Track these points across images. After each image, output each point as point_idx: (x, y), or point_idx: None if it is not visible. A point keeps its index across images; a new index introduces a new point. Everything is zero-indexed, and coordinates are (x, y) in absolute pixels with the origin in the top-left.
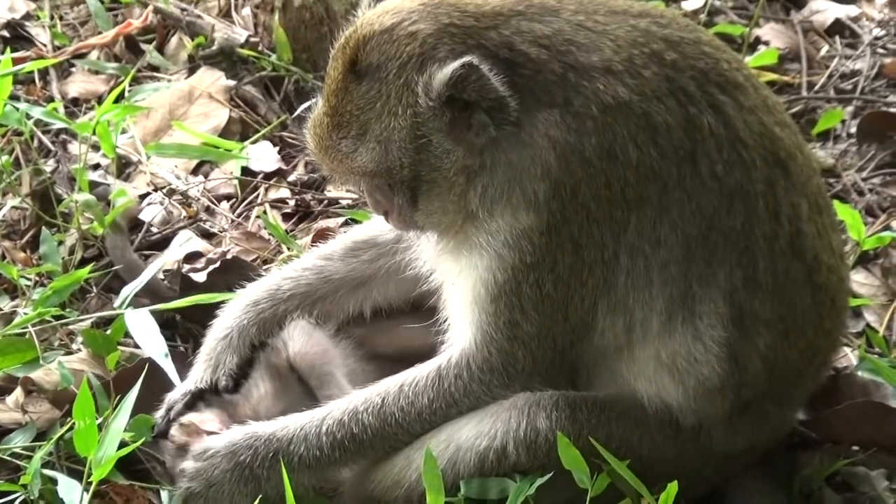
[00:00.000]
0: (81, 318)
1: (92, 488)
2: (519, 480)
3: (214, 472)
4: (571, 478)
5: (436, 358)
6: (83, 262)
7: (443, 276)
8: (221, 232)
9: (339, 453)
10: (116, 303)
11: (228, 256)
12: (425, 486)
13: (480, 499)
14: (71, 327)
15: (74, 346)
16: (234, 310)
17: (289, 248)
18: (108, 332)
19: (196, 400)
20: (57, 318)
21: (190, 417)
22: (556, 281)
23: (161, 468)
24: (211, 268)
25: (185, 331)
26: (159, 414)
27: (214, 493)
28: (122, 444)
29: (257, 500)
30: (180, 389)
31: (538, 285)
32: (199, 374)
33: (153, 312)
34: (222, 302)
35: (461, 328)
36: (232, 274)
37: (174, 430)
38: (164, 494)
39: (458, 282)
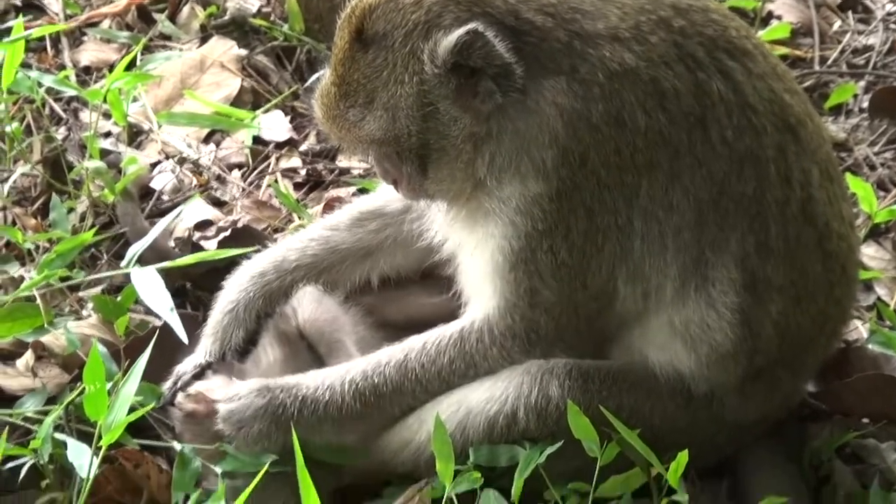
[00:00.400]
0: (87, 279)
1: (102, 453)
2: (529, 448)
3: (247, 411)
4: (581, 447)
5: (459, 320)
6: (93, 229)
7: (456, 246)
8: (232, 200)
9: (360, 404)
10: (124, 262)
11: (239, 225)
12: (435, 453)
13: (490, 466)
14: (81, 294)
15: (85, 313)
16: (240, 281)
17: (300, 217)
18: (119, 298)
19: (204, 372)
20: (65, 280)
21: (197, 386)
22: (571, 248)
23: (171, 434)
24: (221, 236)
25: (195, 299)
26: (167, 385)
27: (244, 435)
28: (132, 410)
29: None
30: (188, 362)
31: (553, 252)
32: (206, 348)
33: (163, 277)
34: (232, 266)
35: (483, 295)
36: (243, 242)
37: (181, 398)
38: (176, 448)
39: (476, 251)
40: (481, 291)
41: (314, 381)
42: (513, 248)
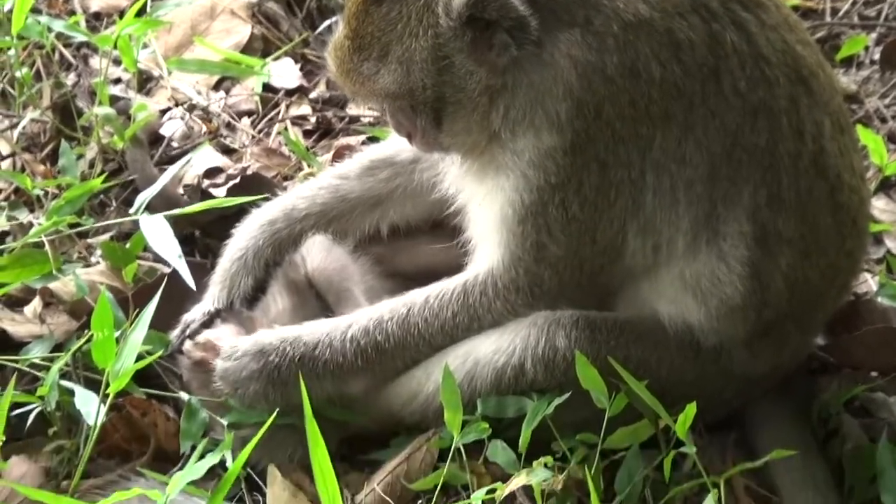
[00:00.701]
0: (96, 225)
1: (109, 400)
2: (536, 399)
3: (242, 373)
4: (589, 398)
5: (462, 273)
6: (102, 176)
7: (467, 197)
8: (242, 148)
9: (361, 361)
10: (133, 209)
11: (248, 172)
12: (444, 404)
13: (497, 417)
14: (90, 241)
15: (93, 260)
16: (249, 229)
17: (309, 165)
18: (128, 245)
19: (212, 320)
20: (74, 227)
21: (206, 335)
22: (583, 202)
23: (178, 383)
24: (231, 183)
25: (203, 246)
26: (175, 333)
27: (241, 395)
28: (140, 358)
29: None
30: (197, 310)
31: (564, 207)
32: (214, 296)
33: (171, 224)
34: (241, 214)
35: (488, 248)
36: (252, 190)
37: (189, 346)
38: (184, 397)
39: (485, 203)
40: (487, 244)
41: (313, 338)
42: (523, 201)
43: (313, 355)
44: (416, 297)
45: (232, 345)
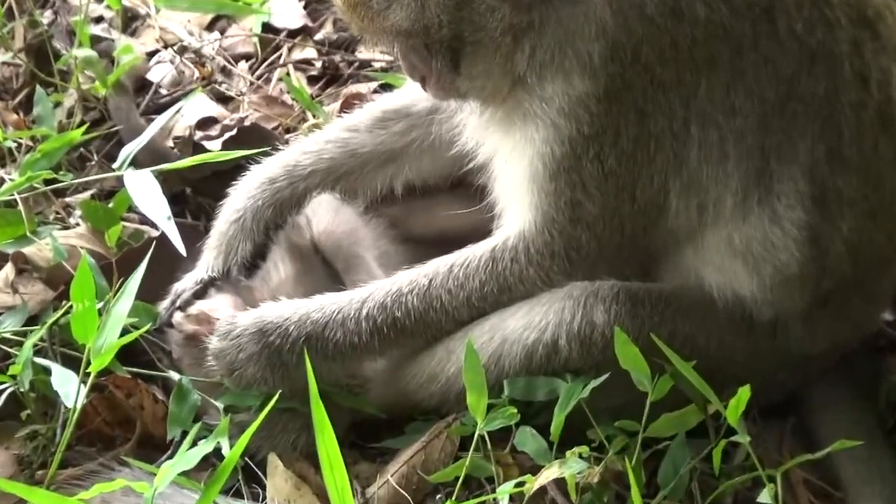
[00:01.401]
0: (75, 182)
1: (90, 380)
2: (571, 381)
3: (239, 354)
4: (629, 380)
5: (490, 239)
6: (83, 127)
7: (491, 151)
8: (239, 96)
9: (377, 340)
10: (117, 163)
11: (246, 123)
12: (466, 384)
13: (527, 400)
14: (68, 200)
15: (72, 221)
16: (248, 189)
17: (314, 116)
18: (111, 204)
19: (206, 289)
20: (50, 184)
21: (199, 306)
22: (620, 155)
23: (167, 360)
24: (227, 135)
25: (196, 206)
26: (164, 305)
27: (237, 378)
28: (125, 332)
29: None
30: (189, 278)
31: (600, 160)
32: (209, 262)
33: (159, 181)
34: (238, 171)
35: (517, 209)
36: (250, 143)
37: (180, 318)
38: (173, 377)
39: (512, 157)
40: (517, 204)
41: (322, 315)
42: (554, 154)
43: (322, 336)
44: (439, 267)
45: (229, 320)
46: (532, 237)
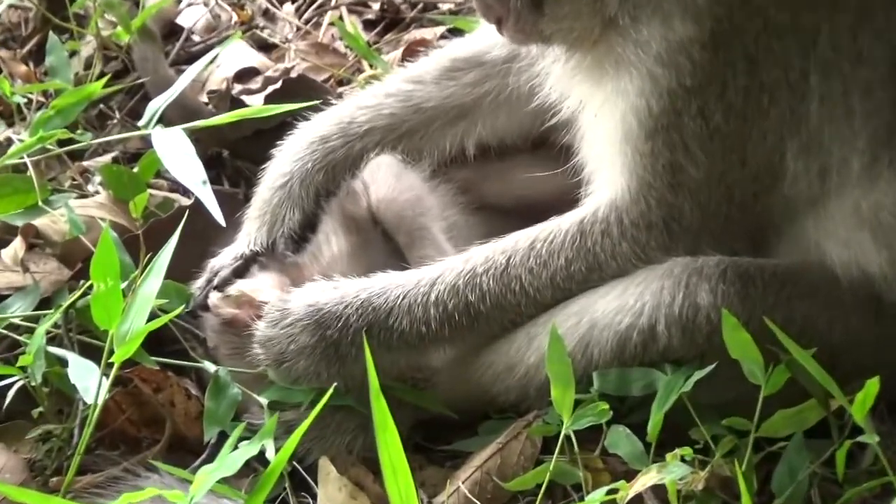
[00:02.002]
0: (94, 142)
1: (113, 372)
2: (670, 372)
3: (290, 345)
4: (738, 371)
5: (577, 210)
6: (103, 79)
7: (578, 105)
8: (284, 43)
9: (448, 329)
10: (142, 121)
11: (293, 75)
12: (549, 376)
13: (620, 395)
14: (87, 164)
15: (91, 189)
16: (296, 149)
17: (371, 66)
18: (136, 168)
19: (248, 266)
20: (65, 145)
21: (240, 286)
22: (728, 111)
23: (202, 349)
24: (270, 89)
25: (234, 171)
26: (198, 284)
27: (285, 371)
28: (153, 317)
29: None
30: (227, 254)
31: (703, 116)
32: (250, 235)
33: (192, 142)
34: (283, 129)
35: (609, 173)
36: (297, 97)
37: (217, 300)
38: (209, 368)
39: (602, 112)
40: (608, 168)
41: (385, 300)
42: (651, 109)
43: (386, 325)
44: (519, 242)
45: (279, 305)
46: (626, 206)
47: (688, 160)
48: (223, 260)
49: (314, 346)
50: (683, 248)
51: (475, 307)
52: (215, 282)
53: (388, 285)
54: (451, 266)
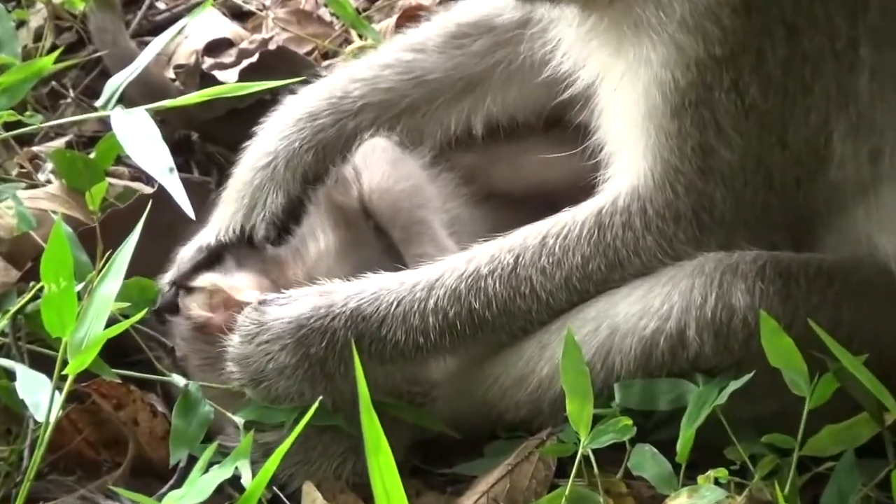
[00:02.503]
0: (45, 125)
1: (67, 386)
2: (702, 383)
3: (269, 364)
4: (779, 381)
5: (594, 199)
6: (54, 53)
7: (595, 76)
8: (261, 10)
9: (449, 339)
10: (100, 101)
11: (271, 47)
12: (565, 388)
13: (645, 410)
14: (37, 149)
15: (42, 178)
16: (281, 126)
17: (361, 37)
18: (92, 154)
19: (217, 258)
20: (12, 129)
21: (213, 279)
22: (765, 85)
23: (169, 359)
24: (245, 63)
25: (204, 156)
26: (167, 279)
27: (264, 391)
28: (112, 322)
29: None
30: (197, 241)
31: (738, 91)
32: (225, 221)
33: (157, 124)
34: (260, 110)
35: (631, 156)
36: (276, 72)
37: (189, 300)
38: (177, 382)
39: (622, 85)
40: (629, 149)
41: (377, 309)
42: (677, 82)
43: (378, 336)
44: (528, 238)
45: (253, 317)
46: (650, 194)
47: (720, 141)
48: (192, 249)
49: (296, 366)
50: (716, 242)
51: (479, 314)
52: (182, 276)
53: (381, 290)
54: (452, 267)
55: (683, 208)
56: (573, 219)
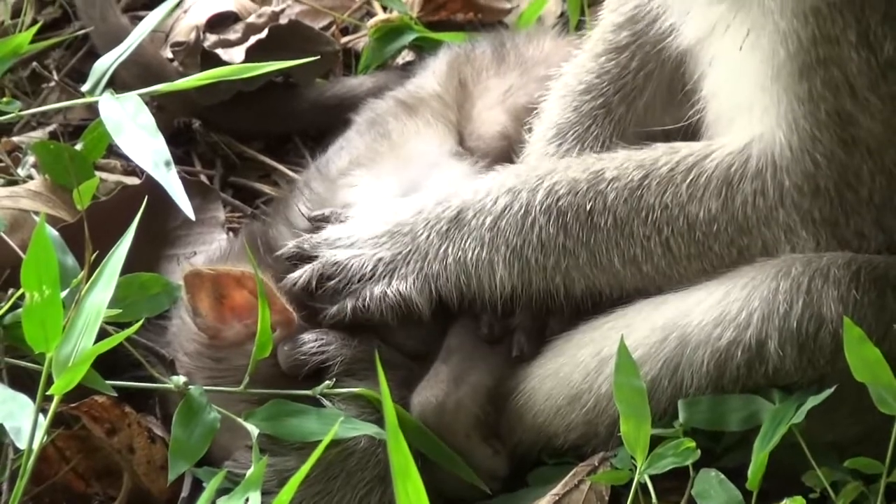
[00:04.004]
0: (26, 113)
1: (52, 407)
2: (778, 400)
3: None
4: (866, 402)
5: (726, 142)
6: (34, 28)
7: (705, 30)
8: None
9: (555, 235)
10: (87, 85)
11: (282, 20)
12: (617, 404)
13: (713, 430)
14: (17, 140)
15: (22, 172)
16: None
17: (385, 9)
18: (79, 145)
19: None
20: None
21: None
22: None
23: (167, 371)
24: (253, 39)
25: (208, 147)
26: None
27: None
28: (104, 335)
29: None
30: None
31: (869, 46)
32: None
33: (153, 111)
34: (272, 93)
35: (763, 121)
36: (288, 50)
37: (188, 300)
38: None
39: (744, 42)
40: (759, 112)
41: (488, 182)
42: (799, 36)
43: (483, 207)
44: (658, 162)
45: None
46: (787, 165)
47: (858, 107)
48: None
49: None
50: (854, 227)
51: (593, 218)
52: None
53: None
54: (565, 164)
55: (825, 182)
56: (702, 164)
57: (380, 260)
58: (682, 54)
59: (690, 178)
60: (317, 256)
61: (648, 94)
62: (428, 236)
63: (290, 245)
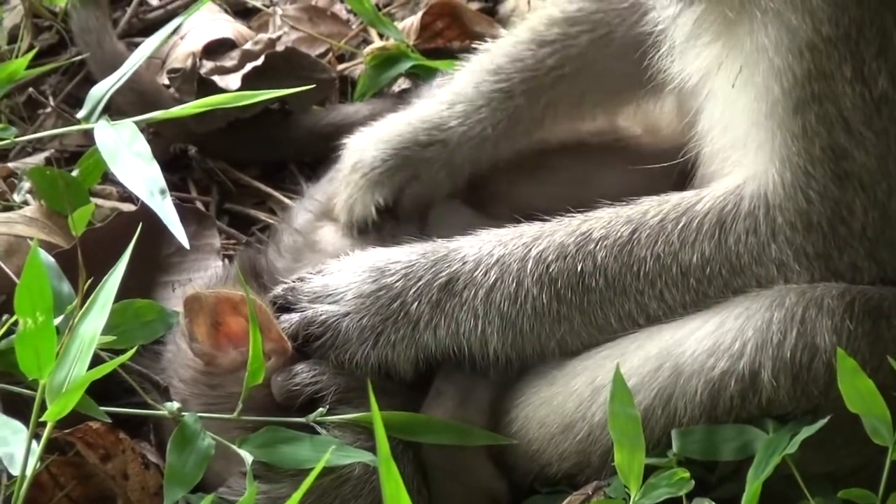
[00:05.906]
0: (21, 140)
1: (46, 434)
2: (772, 430)
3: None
4: (860, 433)
5: (711, 192)
6: (30, 54)
7: (696, 66)
8: (267, 7)
9: (547, 301)
10: (83, 111)
11: (279, 48)
12: (611, 433)
13: (706, 460)
14: (12, 166)
15: (17, 198)
16: None
17: (381, 36)
18: (75, 172)
19: None
20: None
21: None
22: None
23: (162, 398)
24: (249, 66)
25: (204, 174)
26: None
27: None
28: (99, 361)
29: None
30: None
31: (863, 80)
32: None
33: (149, 138)
34: (265, 121)
35: (754, 158)
36: (285, 78)
37: (184, 324)
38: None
39: (737, 78)
40: (752, 149)
41: (479, 249)
42: (794, 72)
43: (472, 278)
44: (647, 215)
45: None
46: (779, 202)
47: (852, 141)
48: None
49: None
50: (847, 260)
51: (585, 280)
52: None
53: (465, 243)
54: (561, 223)
55: (818, 218)
56: (693, 209)
57: (366, 325)
58: (601, 74)
59: (682, 224)
60: (302, 309)
61: (554, 95)
62: (418, 305)
63: (276, 291)
